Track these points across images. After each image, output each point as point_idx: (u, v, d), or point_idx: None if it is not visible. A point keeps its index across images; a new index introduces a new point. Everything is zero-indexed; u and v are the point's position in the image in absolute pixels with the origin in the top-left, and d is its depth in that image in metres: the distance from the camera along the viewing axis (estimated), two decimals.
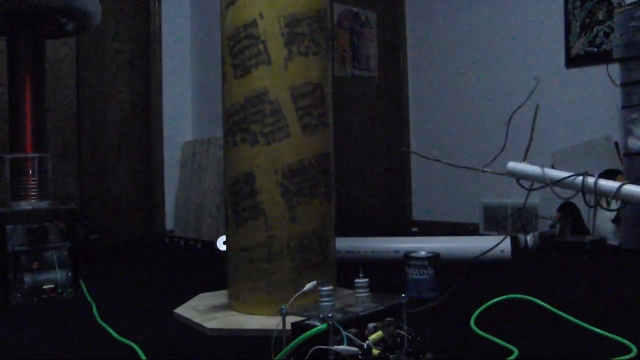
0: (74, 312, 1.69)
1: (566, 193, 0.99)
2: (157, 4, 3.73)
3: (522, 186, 1.02)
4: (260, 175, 1.49)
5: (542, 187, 0.98)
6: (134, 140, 3.62)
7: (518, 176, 1.03)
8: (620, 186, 0.93)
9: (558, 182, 0.98)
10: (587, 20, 3.02)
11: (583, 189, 0.94)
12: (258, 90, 1.49)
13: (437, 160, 1.42)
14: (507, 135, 1.04)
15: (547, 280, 2.06)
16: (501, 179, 3.52)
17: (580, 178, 0.95)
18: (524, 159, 1.04)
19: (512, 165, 1.05)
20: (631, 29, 2.57)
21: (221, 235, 1.62)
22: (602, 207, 0.95)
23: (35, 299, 1.82)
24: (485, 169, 1.02)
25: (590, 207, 0.93)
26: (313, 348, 0.93)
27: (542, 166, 1.01)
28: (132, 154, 3.61)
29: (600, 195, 0.94)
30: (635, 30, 2.55)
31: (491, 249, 0.98)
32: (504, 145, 1.02)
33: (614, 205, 0.95)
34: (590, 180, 0.95)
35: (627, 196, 0.92)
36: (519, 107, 1.01)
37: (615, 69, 2.74)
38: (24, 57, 1.97)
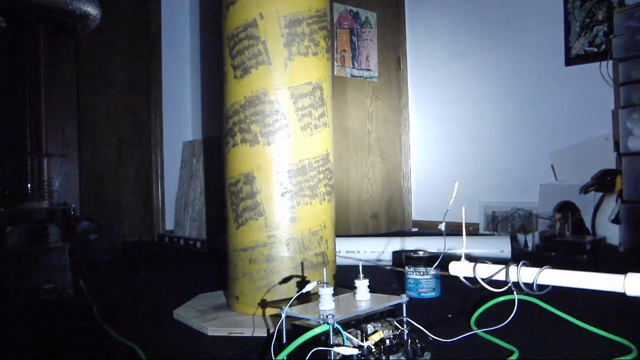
0: (74, 312, 1.69)
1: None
2: (157, 4, 3.73)
3: (467, 284, 1.06)
4: (260, 175, 1.49)
5: (480, 285, 1.01)
6: (134, 141, 3.62)
7: (460, 274, 1.07)
8: (540, 272, 0.95)
9: (489, 279, 1.00)
10: (587, 20, 3.02)
11: (507, 278, 0.97)
12: (258, 90, 1.49)
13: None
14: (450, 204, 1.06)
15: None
16: (502, 180, 3.50)
17: (504, 270, 0.98)
18: (462, 257, 1.06)
19: (453, 265, 1.09)
20: (631, 29, 2.57)
21: (220, 235, 1.62)
22: (527, 292, 0.96)
23: (35, 299, 1.82)
24: (441, 228, 1.05)
25: (519, 293, 0.96)
26: (313, 349, 0.93)
27: (474, 265, 1.04)
28: (132, 154, 3.62)
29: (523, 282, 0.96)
30: (635, 30, 2.55)
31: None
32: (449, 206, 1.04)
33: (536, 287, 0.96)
34: (513, 269, 0.97)
35: (549, 279, 0.95)
36: (447, 210, 1.05)
37: (615, 68, 2.74)
38: (24, 56, 1.98)
